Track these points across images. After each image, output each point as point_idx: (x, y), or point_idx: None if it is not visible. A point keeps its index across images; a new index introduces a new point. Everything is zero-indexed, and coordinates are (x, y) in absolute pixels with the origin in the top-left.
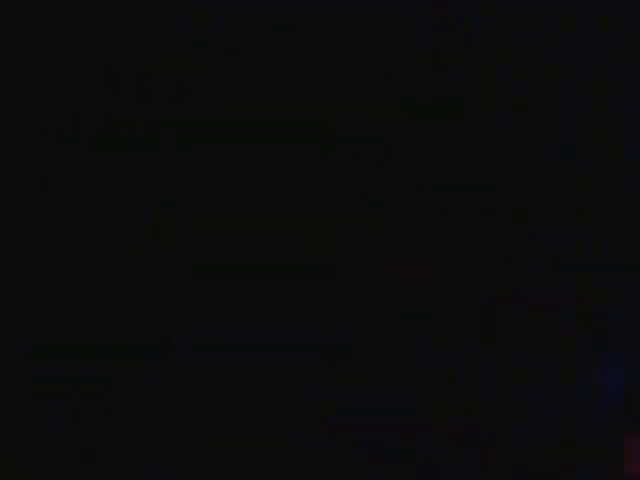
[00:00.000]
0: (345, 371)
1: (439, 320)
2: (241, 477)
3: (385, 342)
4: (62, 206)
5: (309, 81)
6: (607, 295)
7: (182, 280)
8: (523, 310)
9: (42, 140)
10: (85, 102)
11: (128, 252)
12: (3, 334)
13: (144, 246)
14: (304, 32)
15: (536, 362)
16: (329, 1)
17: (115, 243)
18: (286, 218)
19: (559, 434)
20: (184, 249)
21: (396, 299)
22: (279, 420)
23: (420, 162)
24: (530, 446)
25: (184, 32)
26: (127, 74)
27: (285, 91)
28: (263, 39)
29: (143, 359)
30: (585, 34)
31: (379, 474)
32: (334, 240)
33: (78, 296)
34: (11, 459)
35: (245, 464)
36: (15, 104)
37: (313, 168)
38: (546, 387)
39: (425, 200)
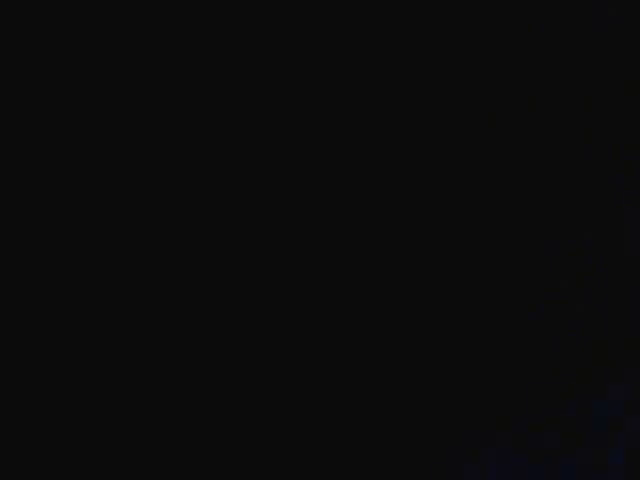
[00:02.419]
0: (344, 371)
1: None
2: (241, 477)
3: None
4: (62, 206)
5: (308, 81)
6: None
7: (182, 280)
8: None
9: (42, 140)
10: (85, 102)
11: (128, 252)
12: (3, 334)
13: (144, 246)
14: (304, 32)
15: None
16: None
17: (115, 243)
18: (286, 218)
19: None
20: (184, 249)
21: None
22: (277, 420)
23: (420, 162)
24: None
25: (184, 32)
26: (127, 74)
27: (285, 91)
28: (263, 39)
29: (143, 359)
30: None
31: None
32: (333, 240)
33: (78, 296)
34: (11, 459)
35: (244, 465)
36: (15, 104)
37: (313, 168)
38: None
39: (425, 200)
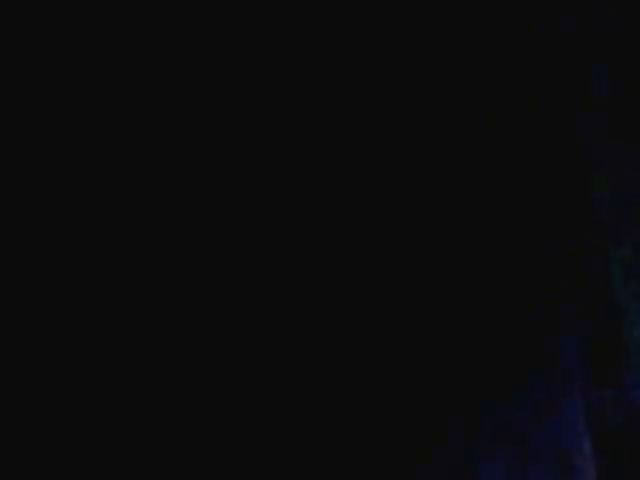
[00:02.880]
0: (343, 372)
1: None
2: (241, 477)
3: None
4: (62, 206)
5: (308, 81)
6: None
7: (182, 280)
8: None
9: (42, 140)
10: (85, 102)
11: (127, 252)
12: (3, 334)
13: (144, 246)
14: (305, 32)
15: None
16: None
17: (114, 243)
18: (286, 218)
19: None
20: (184, 249)
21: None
22: (276, 420)
23: (419, 162)
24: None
25: (184, 32)
26: (127, 74)
27: (286, 91)
28: (264, 39)
29: (143, 359)
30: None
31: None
32: (333, 241)
33: (77, 296)
34: (11, 459)
35: (245, 465)
36: (15, 104)
37: (313, 168)
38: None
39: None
